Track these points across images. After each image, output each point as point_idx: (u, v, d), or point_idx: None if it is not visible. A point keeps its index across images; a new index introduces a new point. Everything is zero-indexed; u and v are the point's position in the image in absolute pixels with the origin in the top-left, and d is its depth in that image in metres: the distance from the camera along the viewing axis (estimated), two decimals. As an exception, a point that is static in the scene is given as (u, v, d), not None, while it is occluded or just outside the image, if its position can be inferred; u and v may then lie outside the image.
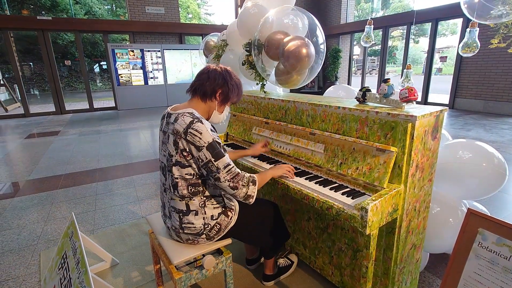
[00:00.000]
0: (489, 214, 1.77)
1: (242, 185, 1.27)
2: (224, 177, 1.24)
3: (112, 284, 1.80)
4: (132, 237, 2.32)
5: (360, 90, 1.45)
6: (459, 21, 7.77)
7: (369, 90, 1.44)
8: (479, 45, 1.65)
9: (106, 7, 20.39)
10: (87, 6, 18.19)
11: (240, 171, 1.29)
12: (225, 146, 2.09)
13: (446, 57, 7.82)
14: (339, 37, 11.52)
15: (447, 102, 8.22)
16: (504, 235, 1.01)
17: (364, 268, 1.22)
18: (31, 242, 2.28)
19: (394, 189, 1.20)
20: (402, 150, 1.20)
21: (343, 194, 1.28)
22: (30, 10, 16.99)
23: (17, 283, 1.85)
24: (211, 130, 1.27)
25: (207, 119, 1.42)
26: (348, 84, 11.66)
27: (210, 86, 1.34)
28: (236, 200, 1.39)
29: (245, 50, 1.89)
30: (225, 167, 1.24)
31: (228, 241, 1.44)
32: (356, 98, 1.48)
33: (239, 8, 2.15)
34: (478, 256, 1.06)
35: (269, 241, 1.57)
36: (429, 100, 8.70)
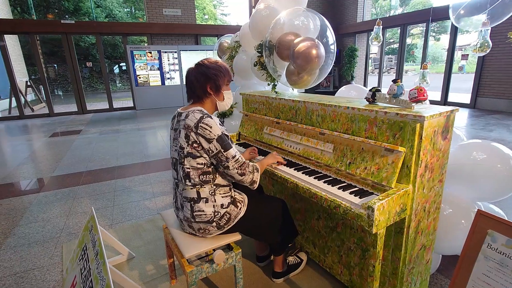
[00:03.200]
0: (505, 217, 1.73)
1: (249, 171, 1.42)
2: (233, 165, 1.36)
3: (128, 276, 1.89)
4: (147, 232, 2.42)
5: (370, 90, 1.46)
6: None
7: (379, 90, 1.44)
8: (491, 45, 1.61)
9: (125, 10, 20.98)
10: (107, 9, 18.80)
11: (245, 160, 1.42)
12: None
13: (468, 54, 7.52)
14: (356, 35, 11.35)
15: (468, 102, 7.93)
16: (514, 237, 1.00)
17: (371, 267, 1.23)
18: (55, 234, 2.41)
19: (402, 189, 1.21)
20: (411, 150, 1.20)
21: (351, 193, 1.29)
22: (54, 14, 17.74)
23: (42, 272, 1.97)
24: (220, 124, 1.38)
25: (216, 110, 1.54)
26: (364, 83, 11.47)
27: (199, 88, 1.44)
28: (243, 185, 1.49)
29: (257, 51, 1.93)
30: (233, 157, 1.36)
31: (238, 237, 1.49)
32: (366, 98, 1.49)
33: (253, 9, 2.20)
34: (487, 258, 1.06)
35: (277, 238, 1.60)
36: (449, 99, 8.42)
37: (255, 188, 1.48)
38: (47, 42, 17.08)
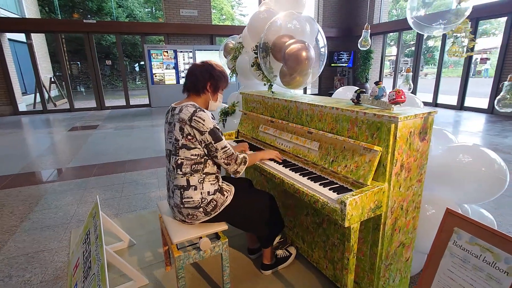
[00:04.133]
0: (493, 221, 1.74)
1: (234, 163, 1.55)
2: (220, 156, 1.50)
3: (127, 261, 2.01)
4: (150, 222, 2.55)
5: (355, 92, 1.51)
6: (503, 20, 7.24)
7: (363, 92, 1.49)
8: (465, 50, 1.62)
9: (146, 9, 21.57)
10: (129, 9, 19.40)
11: (234, 152, 1.54)
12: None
13: (487, 58, 7.29)
14: (372, 37, 11.20)
15: (486, 107, 7.69)
16: (477, 235, 1.04)
17: (346, 260, 1.29)
18: (65, 221, 2.59)
19: (377, 187, 1.26)
20: (386, 150, 1.26)
21: (330, 189, 1.36)
22: (79, 14, 18.51)
23: (51, 254, 2.14)
24: (211, 118, 1.49)
25: (206, 108, 1.63)
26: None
27: (200, 82, 1.56)
28: (232, 177, 1.60)
29: (254, 52, 2.02)
30: (222, 148, 1.49)
31: (225, 226, 1.58)
32: (351, 99, 1.54)
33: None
34: (452, 254, 1.10)
35: (263, 230, 1.68)
36: (466, 104, 8.18)
37: (237, 176, 1.63)
38: (71, 40, 17.84)
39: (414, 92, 9.54)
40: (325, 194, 1.32)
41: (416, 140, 1.31)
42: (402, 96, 1.28)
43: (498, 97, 1.65)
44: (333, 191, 1.33)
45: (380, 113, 1.26)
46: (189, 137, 1.45)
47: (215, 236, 1.62)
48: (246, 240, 2.12)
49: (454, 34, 1.52)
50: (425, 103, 9.32)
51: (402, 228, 1.43)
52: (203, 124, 1.43)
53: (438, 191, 1.66)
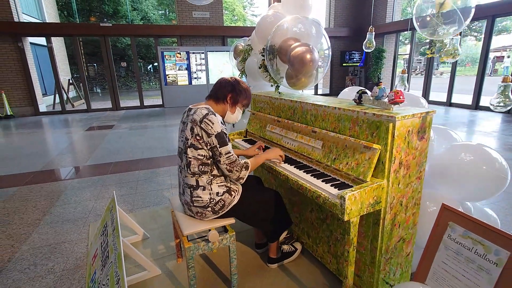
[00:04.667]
0: (497, 220, 1.76)
1: (236, 170, 1.58)
2: (223, 161, 1.55)
3: (142, 253, 2.14)
4: (162, 217, 2.68)
5: (357, 92, 1.57)
6: (520, 17, 7.05)
7: (365, 93, 1.55)
8: (461, 52, 1.63)
9: (159, 12, 22.00)
10: (143, 12, 19.85)
11: (237, 159, 1.59)
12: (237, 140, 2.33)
13: (503, 57, 7.12)
14: (384, 36, 11.09)
15: (502, 106, 7.49)
16: (470, 229, 1.09)
17: (346, 253, 1.36)
18: (84, 215, 2.75)
19: (376, 183, 1.32)
20: (385, 148, 1.32)
21: (332, 185, 1.42)
22: (96, 17, 19.08)
23: (71, 244, 2.28)
24: (221, 122, 1.56)
25: (222, 117, 1.69)
26: (391, 85, 11.16)
27: (221, 92, 1.66)
28: (232, 180, 1.68)
29: (261, 55, 2.10)
30: (226, 154, 1.54)
31: (232, 220, 1.67)
32: (353, 99, 1.61)
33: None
34: (446, 247, 1.15)
35: (269, 225, 1.76)
36: (481, 103, 8.00)
37: (241, 183, 1.66)
38: (88, 43, 18.41)
39: (427, 91, 9.40)
40: (326, 190, 1.39)
41: (414, 138, 1.36)
42: (401, 97, 1.33)
43: (492, 98, 1.68)
44: (334, 187, 1.40)
45: (379, 112, 1.32)
46: (197, 137, 1.53)
47: (223, 230, 1.71)
48: (253, 235, 2.21)
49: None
50: (439, 103, 9.17)
51: (402, 223, 1.48)
52: (211, 127, 1.51)
53: (440, 189, 1.70)
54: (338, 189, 1.38)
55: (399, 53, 11.74)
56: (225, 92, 1.65)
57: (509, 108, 1.62)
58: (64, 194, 3.23)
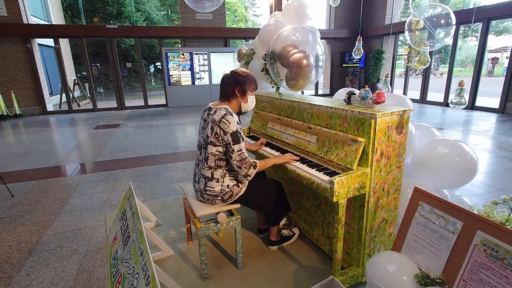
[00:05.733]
0: (468, 203, 1.99)
1: (245, 167, 1.76)
2: (235, 157, 1.74)
3: (156, 237, 2.38)
4: (172, 207, 2.92)
5: (347, 93, 1.81)
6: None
7: (354, 94, 1.79)
8: (429, 60, 1.86)
9: (162, 13, 22.28)
10: (146, 13, 20.12)
11: (247, 157, 1.77)
12: (245, 137, 2.57)
13: (498, 58, 7.33)
14: (383, 37, 11.31)
15: (497, 107, 7.71)
16: (435, 206, 1.32)
17: (335, 230, 1.60)
18: (100, 205, 3.00)
19: (361, 170, 1.56)
20: (368, 141, 1.55)
21: (324, 173, 1.66)
22: (100, 18, 19.36)
23: (91, 230, 2.53)
24: (237, 122, 1.76)
25: (240, 111, 1.91)
26: (390, 86, 11.37)
27: (229, 90, 1.84)
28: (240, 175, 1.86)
29: (263, 59, 2.33)
30: (238, 151, 1.73)
31: (237, 205, 1.91)
32: (343, 99, 1.84)
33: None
34: (417, 222, 1.39)
35: (271, 210, 2.00)
36: (477, 104, 8.22)
37: (248, 180, 1.84)
38: (92, 43, 18.70)
39: (425, 92, 9.62)
40: (319, 177, 1.63)
41: (393, 133, 1.60)
42: (382, 97, 1.57)
43: (451, 98, 1.92)
44: (326, 175, 1.64)
45: (364, 111, 1.56)
46: (216, 135, 1.73)
47: (230, 214, 1.95)
48: (256, 222, 2.45)
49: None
50: (436, 103, 9.38)
51: (384, 206, 1.72)
52: (228, 126, 1.69)
53: (421, 178, 1.94)
54: (329, 176, 1.61)
55: (398, 54, 11.96)
56: (232, 89, 1.82)
57: (464, 106, 1.85)
58: (79, 187, 3.48)
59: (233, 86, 1.82)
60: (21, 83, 8.83)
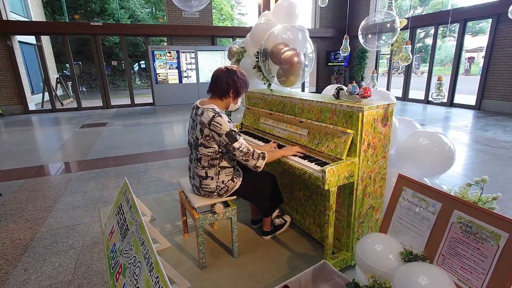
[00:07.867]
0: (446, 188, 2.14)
1: (252, 158, 1.78)
2: (238, 154, 1.77)
3: (152, 231, 2.43)
4: (166, 202, 2.97)
5: (336, 89, 1.93)
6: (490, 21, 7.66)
7: (342, 89, 1.91)
8: (411, 57, 2.02)
9: (147, 10, 21.95)
10: (130, 10, 19.77)
11: (249, 149, 1.78)
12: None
13: (474, 57, 7.71)
14: (367, 37, 11.60)
15: (473, 103, 8.11)
16: (417, 190, 1.45)
17: (327, 216, 1.71)
18: (93, 202, 3.01)
19: (349, 160, 1.67)
20: (356, 132, 1.67)
21: (316, 164, 1.77)
22: (81, 15, 18.87)
23: (85, 226, 2.55)
24: (228, 121, 1.77)
25: (226, 109, 1.94)
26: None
27: (223, 88, 1.83)
28: (247, 167, 1.87)
29: (255, 57, 2.42)
30: (238, 148, 1.75)
31: (233, 197, 1.99)
32: (333, 94, 1.96)
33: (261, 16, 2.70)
34: (401, 206, 1.51)
35: (265, 202, 2.10)
36: (456, 101, 8.60)
37: (258, 171, 1.84)
38: (73, 41, 18.21)
39: (407, 90, 9.97)
40: (311, 167, 1.74)
41: (379, 125, 1.72)
42: (368, 92, 1.69)
43: (431, 91, 2.08)
44: (317, 165, 1.75)
45: (352, 105, 1.68)
46: (207, 138, 1.74)
47: (226, 205, 2.03)
48: (249, 215, 2.54)
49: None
50: (417, 100, 9.74)
51: (371, 194, 1.84)
52: (220, 128, 1.70)
53: (404, 168, 2.08)
54: (320, 166, 1.72)
55: (382, 53, 12.31)
56: (227, 89, 1.83)
57: (443, 99, 2.02)
58: (70, 185, 3.47)
59: (229, 86, 1.82)
60: (1, 82, 8.55)
